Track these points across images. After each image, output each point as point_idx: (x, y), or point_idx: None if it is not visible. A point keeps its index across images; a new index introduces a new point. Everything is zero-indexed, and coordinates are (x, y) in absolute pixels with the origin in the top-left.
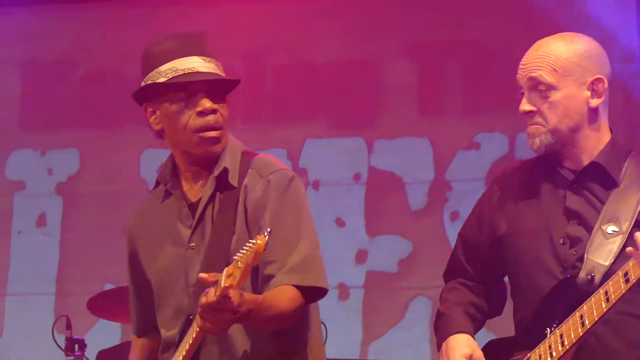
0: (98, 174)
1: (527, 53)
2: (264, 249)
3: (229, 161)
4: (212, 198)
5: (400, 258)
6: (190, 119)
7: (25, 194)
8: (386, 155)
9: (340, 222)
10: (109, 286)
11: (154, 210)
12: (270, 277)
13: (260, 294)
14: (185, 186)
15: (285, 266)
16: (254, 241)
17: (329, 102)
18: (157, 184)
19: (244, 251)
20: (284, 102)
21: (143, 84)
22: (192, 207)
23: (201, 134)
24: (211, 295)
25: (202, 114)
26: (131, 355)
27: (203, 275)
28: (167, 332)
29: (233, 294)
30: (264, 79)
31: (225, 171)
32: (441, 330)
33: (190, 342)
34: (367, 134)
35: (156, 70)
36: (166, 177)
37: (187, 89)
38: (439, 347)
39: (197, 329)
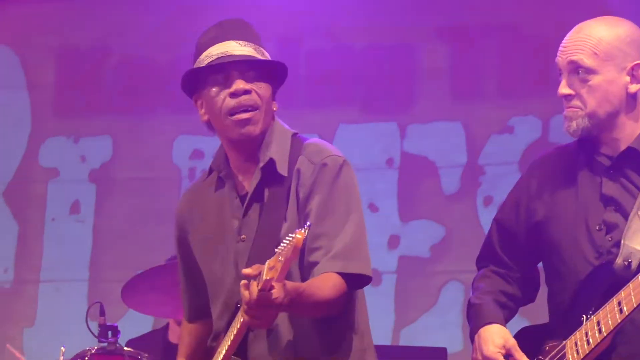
0: (131, 161)
1: (568, 35)
2: (303, 244)
3: (276, 150)
4: (260, 189)
5: (433, 243)
6: (225, 101)
7: (59, 181)
8: (419, 140)
9: (373, 207)
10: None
11: (206, 198)
12: (314, 264)
13: (306, 279)
14: (239, 176)
15: (329, 253)
16: (293, 235)
17: (362, 87)
18: (210, 171)
19: (285, 244)
20: (317, 87)
21: None
22: (244, 198)
23: (234, 117)
24: (253, 289)
25: (234, 94)
26: (181, 340)
27: (246, 270)
28: (219, 323)
29: (275, 287)
30: (298, 63)
31: (271, 162)
32: (472, 322)
33: (235, 332)
34: (400, 119)
35: (197, 59)
36: (220, 166)
37: (222, 72)
38: (471, 338)
39: (241, 321)
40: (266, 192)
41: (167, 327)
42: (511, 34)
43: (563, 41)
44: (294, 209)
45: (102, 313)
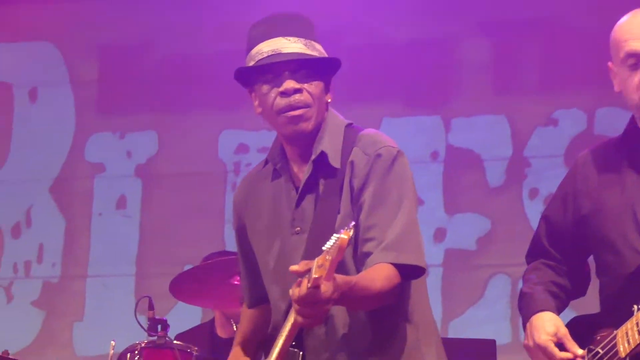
0: (176, 156)
1: (633, 22)
2: (348, 244)
3: (328, 143)
4: (313, 181)
5: (479, 236)
6: (276, 100)
7: (105, 176)
8: (464, 133)
9: (418, 201)
10: (188, 267)
11: (262, 189)
12: (367, 255)
13: (359, 270)
14: (295, 168)
15: (382, 243)
16: (338, 235)
17: (405, 81)
18: (266, 162)
19: (332, 243)
20: (361, 82)
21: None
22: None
23: (285, 114)
24: (303, 287)
25: (284, 94)
26: (240, 325)
27: (294, 267)
28: (276, 316)
29: (324, 285)
30: (341, 57)
31: (323, 154)
32: (524, 311)
33: (289, 327)
34: (445, 113)
35: (249, 54)
36: (276, 158)
37: (273, 70)
38: (524, 327)
39: (292, 321)
40: (320, 185)
41: (213, 321)
42: (555, 26)
43: (632, 27)
44: (348, 200)
45: (151, 307)
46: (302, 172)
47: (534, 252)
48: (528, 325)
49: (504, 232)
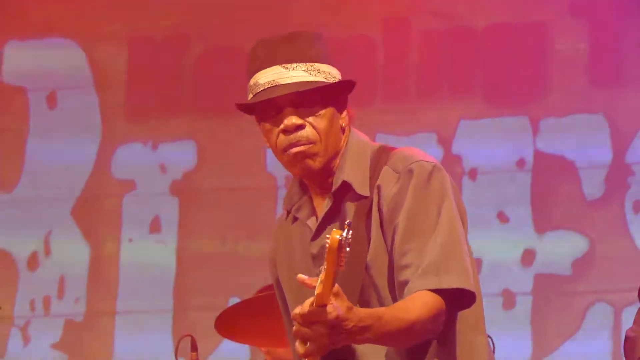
0: (219, 169)
1: None
2: (339, 247)
3: (351, 170)
4: (336, 214)
5: (575, 257)
6: (278, 137)
7: (136, 194)
8: (555, 136)
9: (502, 217)
10: (234, 300)
11: (288, 233)
12: (405, 284)
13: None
14: (316, 202)
15: (419, 269)
16: (329, 235)
17: (486, 74)
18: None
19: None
20: (433, 76)
21: None
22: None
23: (287, 152)
24: (305, 304)
25: (285, 132)
26: None
27: (301, 276)
28: None
29: (332, 304)
30: (409, 48)
31: (345, 185)
32: (626, 356)
33: None
34: (532, 112)
35: (249, 83)
36: (293, 198)
37: (272, 104)
38: None
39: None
40: (348, 217)
41: None
42: None
43: None
44: (377, 227)
45: (194, 348)
46: (322, 207)
47: None
48: None
49: (604, 252)
